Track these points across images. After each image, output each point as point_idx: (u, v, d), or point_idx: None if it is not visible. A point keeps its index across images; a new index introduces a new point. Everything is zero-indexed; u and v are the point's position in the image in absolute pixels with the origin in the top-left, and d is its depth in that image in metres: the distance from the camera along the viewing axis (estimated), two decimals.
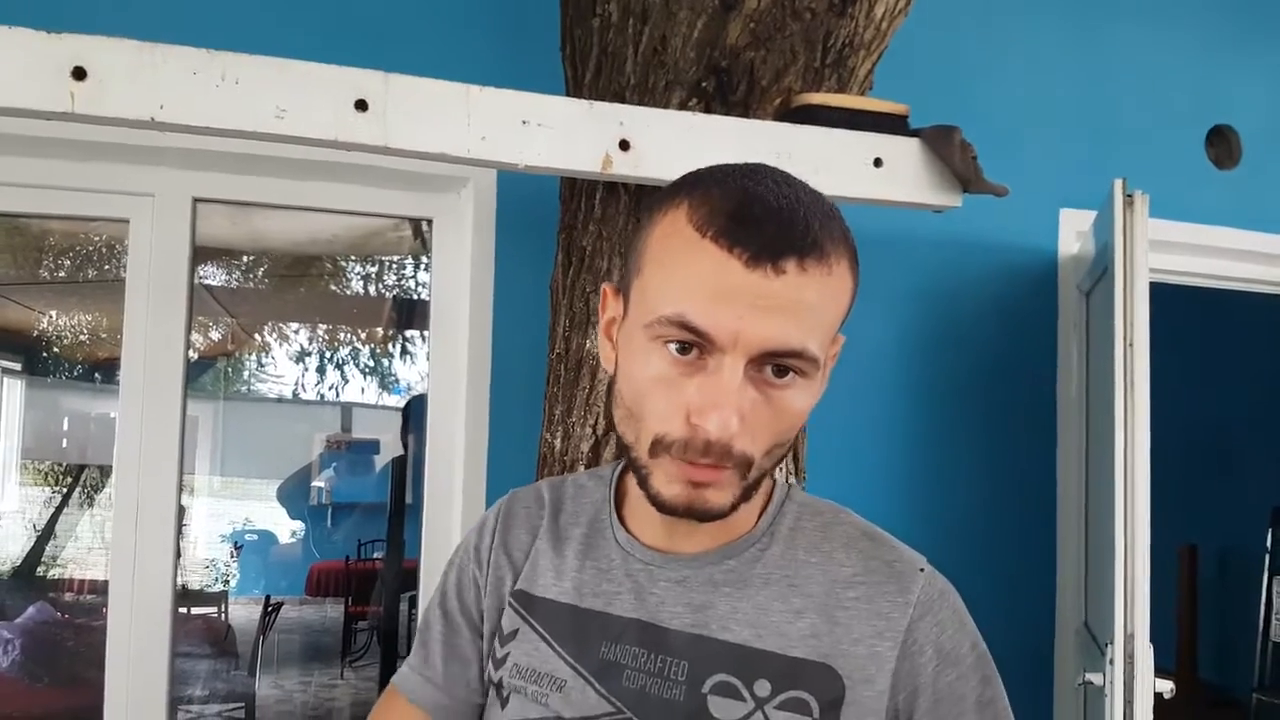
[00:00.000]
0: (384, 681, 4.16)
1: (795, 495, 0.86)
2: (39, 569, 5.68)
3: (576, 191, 1.66)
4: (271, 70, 1.38)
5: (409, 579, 3.93)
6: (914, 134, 1.62)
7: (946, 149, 1.58)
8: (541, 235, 1.79)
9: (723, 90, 1.57)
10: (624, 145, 1.50)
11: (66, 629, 3.96)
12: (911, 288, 2.40)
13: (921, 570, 0.80)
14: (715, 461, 0.69)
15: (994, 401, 2.46)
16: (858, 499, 0.95)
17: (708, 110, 1.57)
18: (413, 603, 4.29)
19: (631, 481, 0.82)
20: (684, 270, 0.69)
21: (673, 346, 0.69)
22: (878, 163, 1.59)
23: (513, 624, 0.85)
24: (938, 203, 1.64)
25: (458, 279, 2.11)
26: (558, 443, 1.61)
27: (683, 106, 1.58)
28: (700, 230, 0.68)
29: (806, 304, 0.68)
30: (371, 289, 5.54)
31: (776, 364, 0.69)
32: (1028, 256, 2.50)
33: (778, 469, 0.80)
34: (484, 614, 0.89)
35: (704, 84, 1.57)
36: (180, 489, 1.98)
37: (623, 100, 1.58)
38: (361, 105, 1.42)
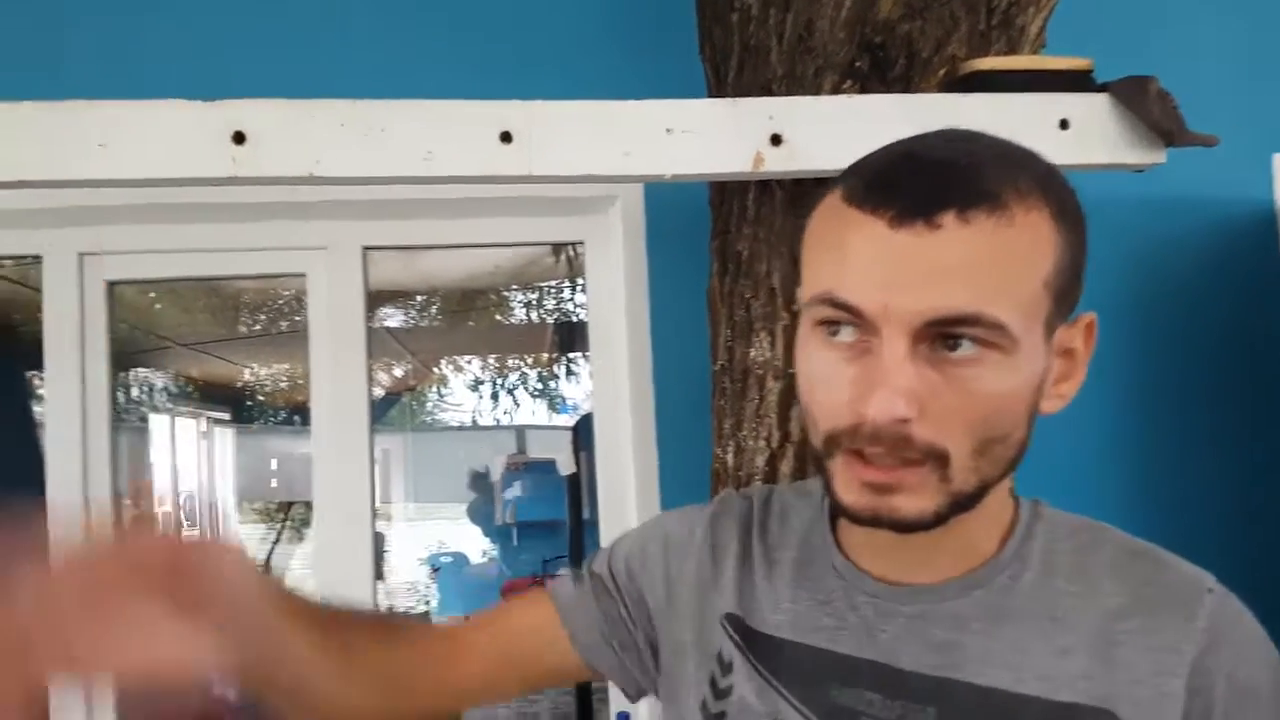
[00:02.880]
0: (581, 700, 4.19)
1: (1044, 513, 0.74)
2: None
3: (728, 195, 1.59)
4: (416, 113, 1.39)
5: None
6: (1101, 89, 1.45)
7: (1141, 102, 1.40)
8: (694, 245, 1.73)
9: (879, 68, 1.46)
10: (775, 140, 1.42)
11: None
12: (1113, 255, 2.17)
13: (1210, 591, 0.66)
14: (890, 452, 0.60)
15: (1221, 379, 2.20)
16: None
17: (864, 92, 1.47)
18: None
19: None
20: (831, 244, 0.63)
21: (830, 330, 0.63)
22: (1064, 124, 1.43)
23: (729, 653, 0.77)
24: (1137, 161, 1.46)
25: (612, 298, 2.09)
26: (730, 458, 1.54)
27: (835, 91, 1.48)
28: (848, 200, 0.62)
29: (976, 262, 0.58)
30: (533, 315, 5.67)
31: (948, 335, 0.59)
32: (1240, 209, 2.23)
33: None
34: (653, 607, 0.84)
35: (857, 64, 1.46)
36: (374, 517, 2.04)
37: (770, 94, 1.50)
38: (506, 137, 1.40)
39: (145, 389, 6.40)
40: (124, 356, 5.28)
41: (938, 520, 0.63)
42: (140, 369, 5.99)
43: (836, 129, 1.40)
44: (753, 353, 1.51)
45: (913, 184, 0.59)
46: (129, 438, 6.42)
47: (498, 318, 5.69)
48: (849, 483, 0.63)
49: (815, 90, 1.48)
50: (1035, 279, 0.61)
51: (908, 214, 0.58)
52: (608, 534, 2.08)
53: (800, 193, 1.48)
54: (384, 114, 1.38)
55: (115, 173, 1.31)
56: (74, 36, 1.95)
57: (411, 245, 2.17)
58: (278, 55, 1.97)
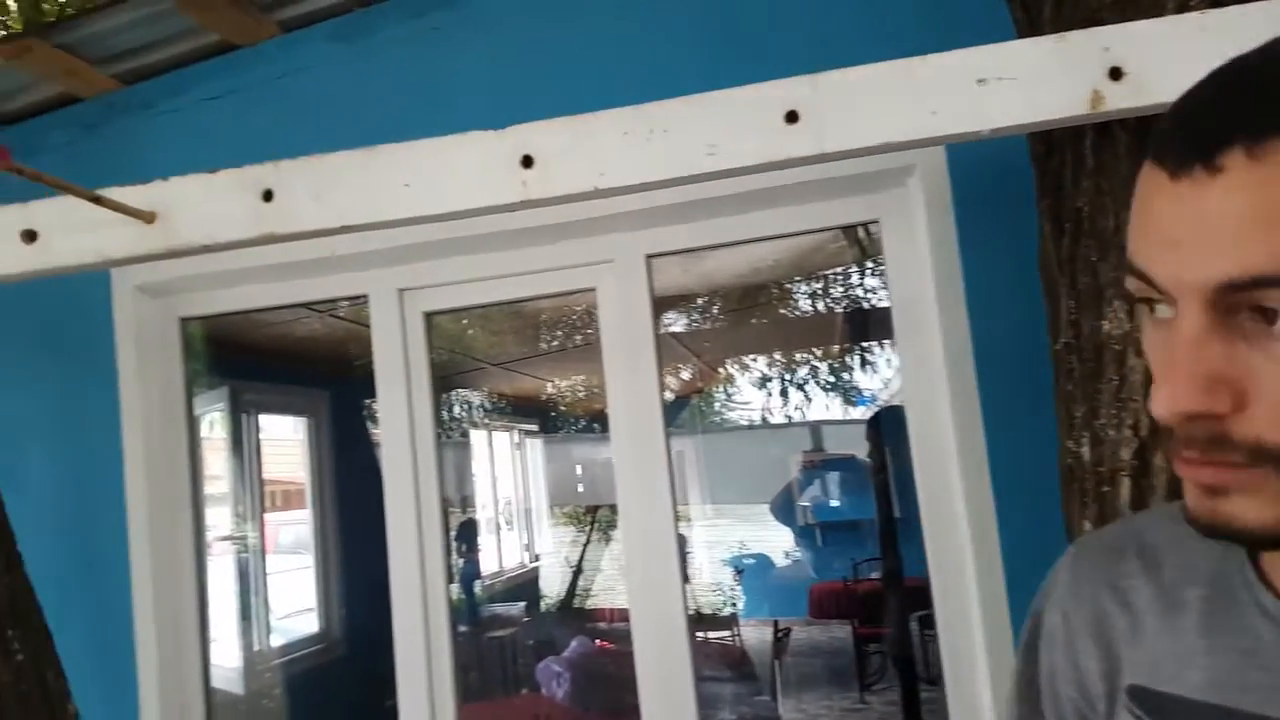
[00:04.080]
0: (906, 709, 3.97)
1: None
2: (575, 602, 6.51)
3: (1056, 146, 1.38)
4: (695, 109, 1.34)
5: (914, 598, 3.79)
6: None
7: None
8: (1010, 209, 1.55)
9: None
10: (1115, 74, 1.22)
11: (604, 658, 4.42)
12: None
13: None
14: (1205, 454, 0.50)
15: None
16: None
17: (1216, 5, 1.22)
18: (924, 623, 4.11)
19: None
20: (1136, 202, 0.54)
21: (1152, 307, 0.54)
22: None
23: None
24: None
25: (918, 278, 1.92)
26: (1085, 452, 1.33)
27: (1182, 10, 1.24)
28: (1149, 146, 0.53)
29: (1273, 208, 0.46)
30: (820, 306, 5.50)
31: (1255, 304, 0.47)
32: None
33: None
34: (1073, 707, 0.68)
35: None
36: (676, 519, 2.04)
37: (1099, 24, 1.28)
38: (792, 117, 1.31)
39: (465, 407, 7.03)
40: (445, 379, 5.82)
41: None
42: (460, 389, 6.58)
43: (1189, 52, 1.19)
44: (1105, 325, 1.29)
45: (1196, 119, 0.49)
46: (454, 452, 7.07)
47: (782, 311, 5.58)
48: (1187, 487, 0.53)
49: (1156, 11, 1.26)
50: None
51: (1185, 159, 0.49)
52: (932, 535, 1.91)
53: (1148, 133, 1.24)
54: (663, 114, 1.34)
55: (419, 210, 1.37)
56: (381, 81, 2.10)
57: (693, 248, 2.12)
58: (564, 74, 2.01)
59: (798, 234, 2.11)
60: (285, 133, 2.04)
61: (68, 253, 1.40)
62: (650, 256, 2.05)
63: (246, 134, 2.12)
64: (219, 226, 1.40)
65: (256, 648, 4.23)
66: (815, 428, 7.87)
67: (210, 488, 4.08)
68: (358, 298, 2.19)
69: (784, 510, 7.00)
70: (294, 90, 2.14)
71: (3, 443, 1.60)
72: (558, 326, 5.20)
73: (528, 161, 1.34)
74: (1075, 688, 0.68)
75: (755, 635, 5.76)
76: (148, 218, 1.39)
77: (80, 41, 2.00)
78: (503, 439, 7.69)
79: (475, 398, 7.11)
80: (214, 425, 4.11)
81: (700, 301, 5.22)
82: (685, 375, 6.85)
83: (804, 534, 6.78)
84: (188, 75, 2.17)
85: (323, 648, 4.54)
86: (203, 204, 1.40)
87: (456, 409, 6.98)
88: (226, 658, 4.02)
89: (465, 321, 4.59)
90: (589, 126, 1.35)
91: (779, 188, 1.86)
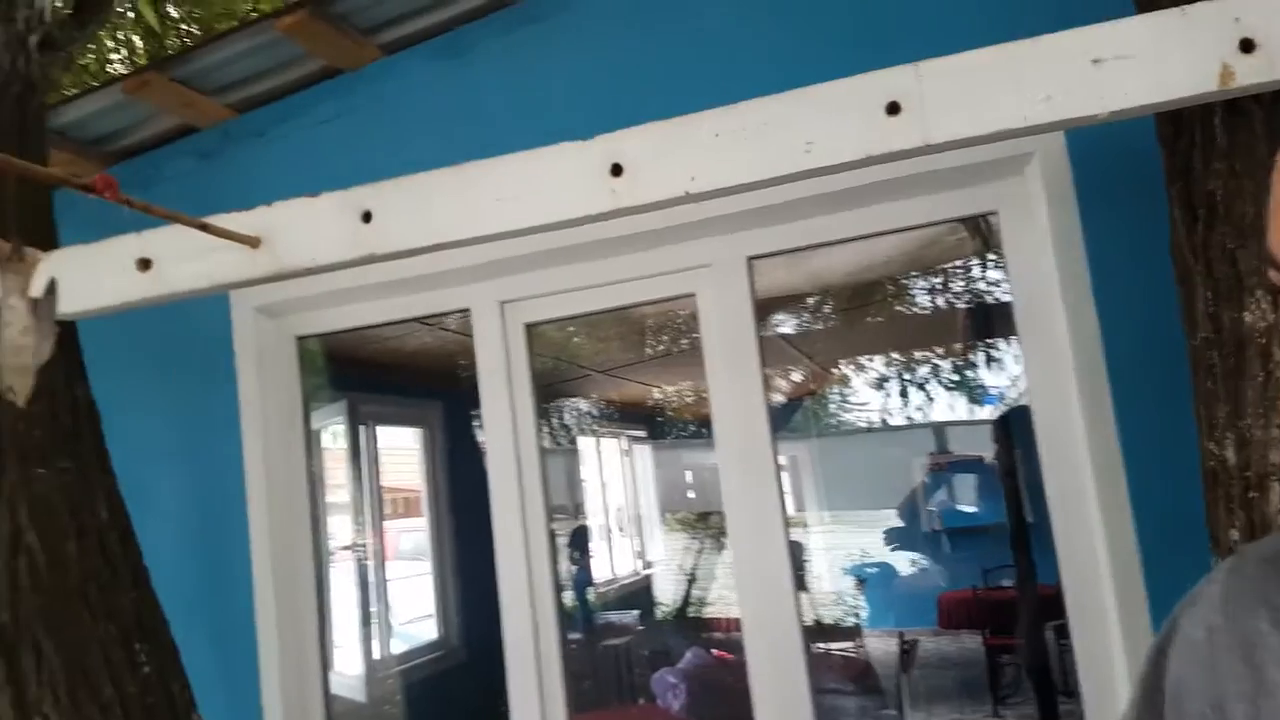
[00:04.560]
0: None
1: None
2: (689, 610, 6.45)
3: (1184, 126, 1.27)
4: (790, 104, 1.29)
5: (1049, 606, 3.61)
6: None
7: None
8: (1138, 195, 1.44)
9: None
10: (1246, 46, 1.12)
11: (719, 669, 4.35)
12: None
13: None
14: None
15: None
16: None
17: None
18: (1059, 632, 3.91)
19: None
20: (1275, 189, 0.52)
21: None
22: None
23: None
24: None
25: (1041, 271, 1.81)
26: (1230, 454, 1.21)
27: None
28: None
29: None
30: (939, 301, 5.28)
31: None
32: None
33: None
34: None
35: None
36: (786, 526, 1.98)
37: None
38: (893, 108, 1.25)
39: (573, 414, 7.08)
40: (553, 387, 5.88)
41: None
42: (567, 398, 6.63)
43: None
44: (1248, 318, 1.18)
45: None
46: (564, 459, 7.14)
47: (898, 308, 5.40)
48: None
49: None
50: None
51: None
52: (1064, 541, 1.80)
53: None
54: (757, 113, 1.30)
55: (510, 225, 1.36)
56: (479, 96, 2.13)
57: (798, 248, 2.06)
58: (658, 79, 1.99)
59: (908, 229, 2.02)
60: (389, 152, 2.08)
61: (180, 279, 1.45)
62: (751, 259, 2.01)
63: (352, 155, 2.18)
64: (321, 249, 1.43)
65: (378, 655, 4.35)
66: (939, 429, 7.57)
67: (332, 496, 4.25)
68: (461, 312, 2.22)
69: (910, 515, 6.77)
70: (396, 110, 2.18)
71: (131, 460, 1.68)
72: (663, 331, 5.18)
73: (616, 170, 1.32)
74: (1210, 707, 0.62)
75: (880, 646, 5.59)
76: (253, 242, 1.43)
77: (195, 74, 2.10)
78: (611, 445, 7.72)
79: (582, 405, 7.16)
80: (336, 437, 4.26)
81: (810, 301, 5.10)
82: (796, 377, 6.72)
83: (930, 541, 6.53)
84: (296, 101, 2.25)
85: (442, 654, 4.64)
86: (305, 227, 1.43)
87: (565, 416, 7.05)
88: (349, 665, 4.14)
89: (571, 329, 4.63)
90: (678, 130, 1.32)
91: (887, 181, 1.79)
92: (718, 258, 2.01)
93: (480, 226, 1.38)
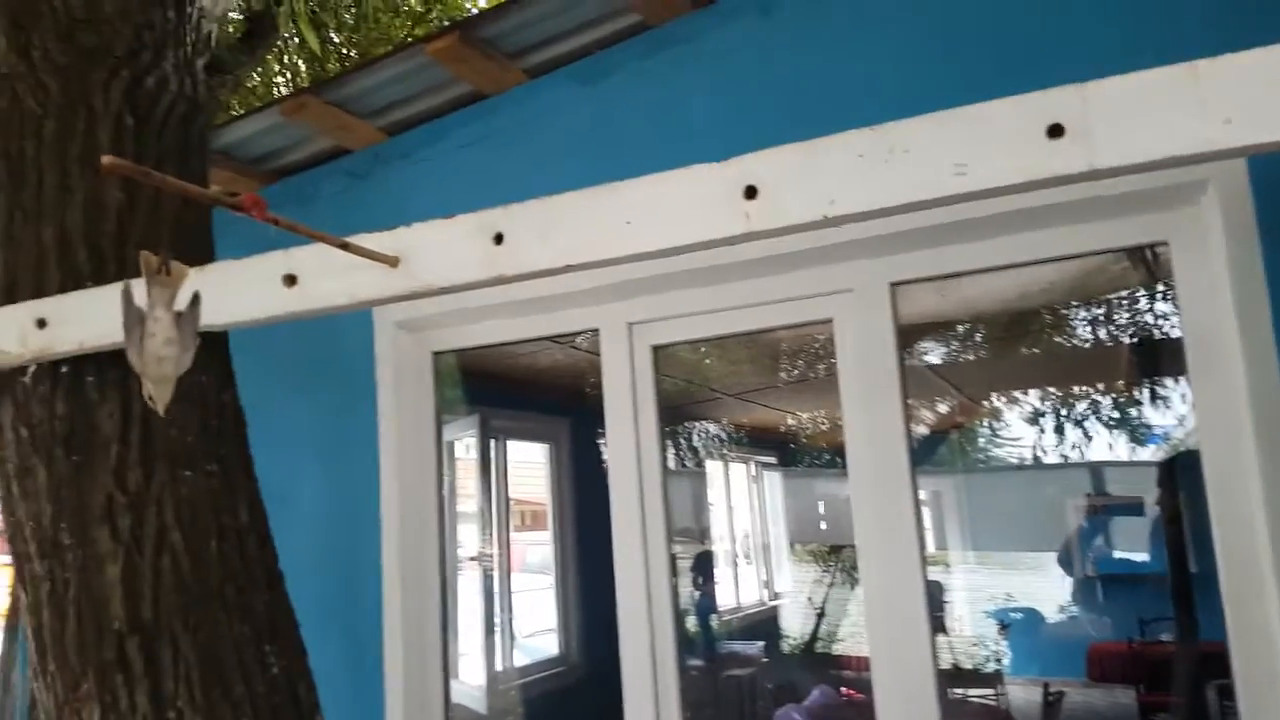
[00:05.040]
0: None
1: None
2: (818, 645, 6.21)
3: None
4: (941, 125, 1.21)
5: (1212, 664, 3.33)
6: None
7: None
8: None
9: None
10: None
11: (847, 708, 4.17)
12: None
13: None
14: None
15: None
16: None
17: None
18: (1222, 693, 3.57)
19: None
20: None
21: None
22: None
23: None
24: None
25: (1216, 307, 1.67)
26: None
27: None
28: None
29: None
30: (1102, 334, 4.93)
31: None
32: None
33: None
34: None
35: None
36: (924, 565, 1.89)
37: None
38: (1055, 130, 1.15)
39: (702, 437, 6.99)
40: (682, 409, 5.82)
41: None
42: (696, 419, 6.55)
43: None
44: None
45: None
46: (691, 482, 7.06)
47: (1056, 340, 5.08)
48: None
49: None
50: None
51: None
52: (1232, 596, 1.67)
53: None
54: (904, 134, 1.23)
55: (640, 247, 1.34)
56: (620, 118, 2.12)
57: (945, 275, 1.95)
58: (799, 99, 1.95)
59: (1068, 258, 1.89)
60: (529, 174, 2.11)
61: (323, 295, 1.49)
62: (895, 284, 1.92)
63: (494, 177, 2.22)
64: (455, 269, 1.45)
65: (500, 667, 4.40)
66: (1096, 469, 7.05)
67: (461, 506, 4.34)
68: (590, 331, 2.21)
69: (1065, 560, 6.35)
70: (539, 133, 2.21)
71: (276, 464, 1.75)
72: (799, 356, 5.05)
73: (751, 192, 1.27)
74: None
75: (1022, 696, 5.25)
76: (392, 262, 1.46)
77: (348, 97, 2.19)
78: (739, 471, 7.58)
79: (711, 428, 7.06)
80: (469, 449, 4.36)
81: (960, 329, 4.87)
82: (942, 409, 6.42)
83: (1083, 588, 6.09)
84: (442, 125, 2.31)
85: (563, 670, 4.66)
86: (440, 248, 1.45)
87: (694, 438, 6.96)
88: (471, 675, 4.20)
89: (703, 350, 4.58)
90: (817, 152, 1.26)
91: (1045, 207, 1.69)
92: (859, 282, 1.93)
93: (609, 249, 1.36)
